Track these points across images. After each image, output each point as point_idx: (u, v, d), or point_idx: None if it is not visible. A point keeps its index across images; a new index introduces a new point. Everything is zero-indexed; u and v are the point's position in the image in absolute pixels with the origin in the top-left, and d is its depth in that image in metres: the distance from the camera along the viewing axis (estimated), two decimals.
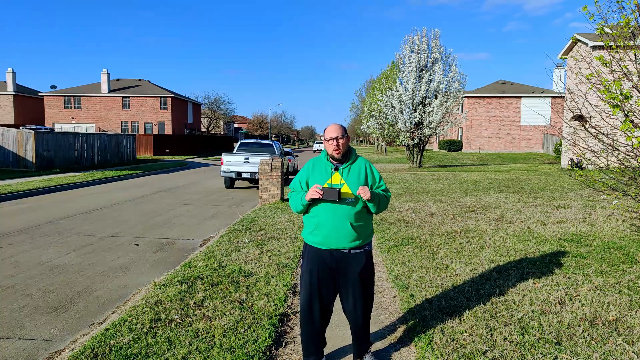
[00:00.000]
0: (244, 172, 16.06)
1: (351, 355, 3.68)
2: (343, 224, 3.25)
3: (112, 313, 4.80)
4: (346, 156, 3.36)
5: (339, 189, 3.19)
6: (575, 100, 7.35)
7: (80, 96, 54.34)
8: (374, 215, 3.49)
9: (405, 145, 29.01)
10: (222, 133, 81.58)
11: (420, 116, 26.00)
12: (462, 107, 45.99)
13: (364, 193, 3.16)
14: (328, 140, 3.29)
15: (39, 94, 56.72)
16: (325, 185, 3.26)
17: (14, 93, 54.38)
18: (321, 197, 3.16)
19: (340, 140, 3.27)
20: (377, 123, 30.36)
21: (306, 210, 3.39)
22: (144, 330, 4.06)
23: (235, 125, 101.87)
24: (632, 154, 6.18)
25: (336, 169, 3.32)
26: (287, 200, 12.58)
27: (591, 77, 6.06)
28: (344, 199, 3.24)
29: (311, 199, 3.23)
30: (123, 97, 54.25)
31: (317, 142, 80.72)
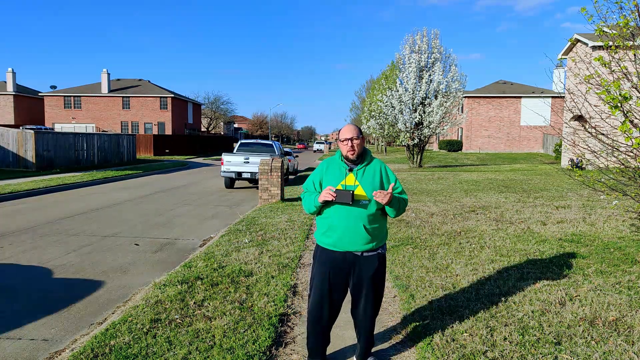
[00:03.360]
0: (244, 172, 16.06)
1: (352, 357, 3.68)
2: (356, 226, 3.19)
3: (112, 313, 4.80)
4: (361, 157, 3.30)
5: (353, 191, 3.12)
6: (575, 100, 7.35)
7: (80, 96, 54.33)
8: (393, 218, 3.42)
9: (405, 146, 29.02)
10: (222, 133, 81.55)
11: (420, 116, 26.01)
12: (462, 107, 45.98)
13: (382, 197, 3.08)
14: (343, 141, 3.23)
15: (39, 94, 56.71)
16: (339, 187, 3.21)
17: (14, 93, 54.37)
18: (334, 199, 3.11)
19: (355, 142, 3.22)
20: (377, 123, 30.35)
21: (319, 212, 3.33)
22: (144, 330, 4.06)
23: (235, 125, 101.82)
24: (631, 154, 6.18)
25: (350, 170, 3.27)
26: (287, 200, 12.57)
27: (590, 78, 6.05)
28: (357, 200, 3.18)
29: (324, 201, 3.19)
30: (123, 97, 54.25)
31: (317, 142, 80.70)
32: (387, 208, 3.23)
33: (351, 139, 3.21)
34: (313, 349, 3.46)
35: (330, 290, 3.31)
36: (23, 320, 4.65)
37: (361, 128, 35.57)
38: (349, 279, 3.32)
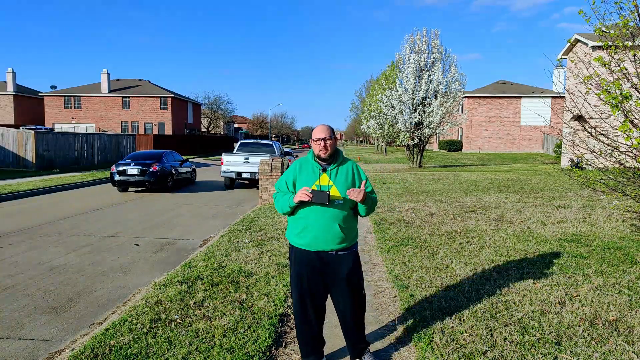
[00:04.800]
0: (244, 172, 16.07)
1: None
2: (331, 225, 3.24)
3: (112, 313, 4.80)
4: (333, 157, 3.36)
5: (328, 191, 3.17)
6: (575, 100, 7.35)
7: (80, 96, 54.32)
8: (364, 217, 3.48)
9: (405, 146, 29.01)
10: (222, 133, 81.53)
11: (420, 116, 26.00)
12: (462, 107, 45.98)
13: (356, 195, 3.15)
14: (316, 141, 3.30)
15: (39, 94, 56.69)
16: (314, 187, 3.25)
17: (14, 93, 54.36)
18: (311, 200, 3.13)
19: (328, 142, 3.28)
20: (377, 123, 30.34)
21: (292, 212, 3.36)
22: (144, 330, 4.06)
23: (235, 125, 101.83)
24: (631, 154, 6.18)
25: (324, 170, 3.32)
26: None
27: (589, 79, 6.06)
28: (332, 200, 3.22)
29: (299, 201, 3.21)
30: (123, 97, 54.24)
31: None
32: (359, 206, 3.30)
33: (324, 139, 3.28)
34: (304, 349, 3.49)
35: (310, 291, 3.35)
36: (23, 320, 4.65)
37: (361, 128, 35.64)
38: (326, 279, 3.35)
